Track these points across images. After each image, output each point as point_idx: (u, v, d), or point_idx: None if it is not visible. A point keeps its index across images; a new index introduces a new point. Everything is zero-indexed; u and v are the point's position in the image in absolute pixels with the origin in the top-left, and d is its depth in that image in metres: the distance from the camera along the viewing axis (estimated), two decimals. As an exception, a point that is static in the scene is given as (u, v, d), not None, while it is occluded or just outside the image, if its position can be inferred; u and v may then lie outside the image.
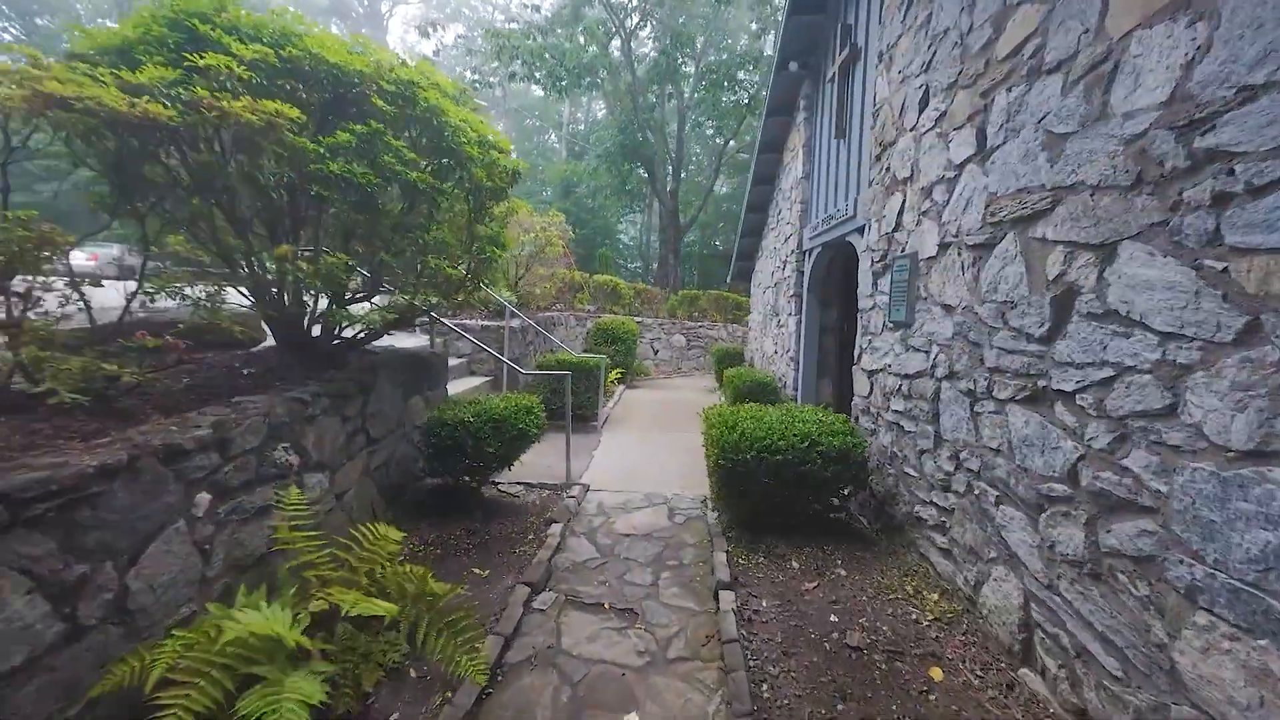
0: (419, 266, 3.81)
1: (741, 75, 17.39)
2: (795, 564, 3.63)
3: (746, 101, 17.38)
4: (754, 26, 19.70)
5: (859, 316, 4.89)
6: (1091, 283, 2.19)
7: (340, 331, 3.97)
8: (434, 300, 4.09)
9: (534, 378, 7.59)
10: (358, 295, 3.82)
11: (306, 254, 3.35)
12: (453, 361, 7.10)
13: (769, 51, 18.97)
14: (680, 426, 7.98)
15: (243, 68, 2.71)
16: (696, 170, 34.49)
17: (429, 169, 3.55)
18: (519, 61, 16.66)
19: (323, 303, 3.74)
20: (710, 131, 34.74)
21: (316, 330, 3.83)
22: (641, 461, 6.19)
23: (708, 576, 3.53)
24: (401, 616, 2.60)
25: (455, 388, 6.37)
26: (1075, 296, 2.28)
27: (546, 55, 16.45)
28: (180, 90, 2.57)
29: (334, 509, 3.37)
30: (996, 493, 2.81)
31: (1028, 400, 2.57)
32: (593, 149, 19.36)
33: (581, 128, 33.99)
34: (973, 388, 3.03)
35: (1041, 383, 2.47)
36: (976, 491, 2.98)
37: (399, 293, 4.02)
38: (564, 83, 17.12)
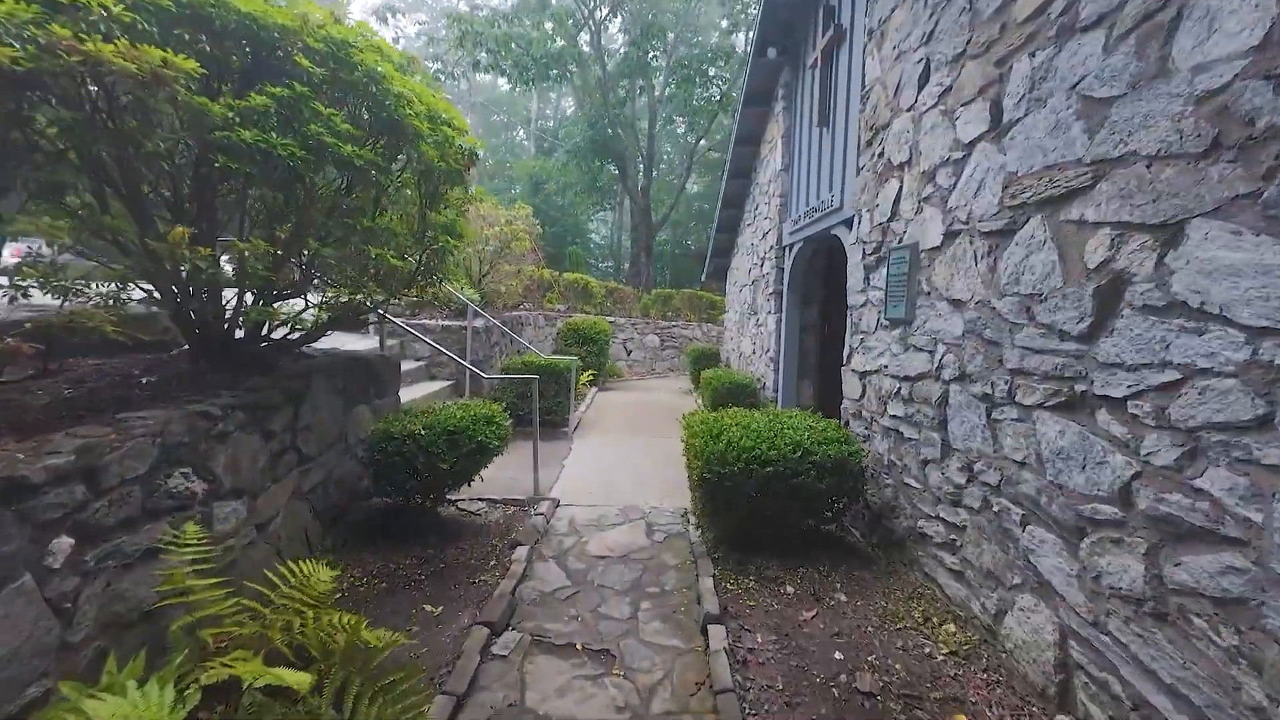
0: (361, 258, 3.31)
1: (713, 71, 17.12)
2: (790, 588, 3.27)
3: (718, 98, 17.12)
4: (724, 23, 19.48)
5: (849, 314, 4.57)
6: (1148, 270, 1.87)
7: (269, 333, 3.44)
8: (379, 297, 3.59)
9: (499, 382, 7.10)
10: (285, 291, 3.29)
11: (225, 242, 2.83)
12: (409, 365, 6.57)
13: (741, 48, 18.77)
14: (656, 430, 7.59)
15: (121, 7, 2.19)
16: (668, 170, 34.25)
17: (372, 146, 3.06)
18: (483, 50, 16.03)
19: (249, 299, 3.21)
20: (682, 130, 34.54)
21: (242, 331, 3.29)
22: (616, 469, 5.78)
23: (693, 606, 3.13)
24: (328, 680, 2.13)
25: (412, 394, 5.84)
26: (1125, 286, 1.96)
27: (513, 45, 15.86)
28: (34, 30, 2.04)
29: (254, 542, 2.86)
30: (1022, 511, 2.48)
31: (1062, 407, 2.24)
32: (562, 144, 18.83)
33: (551, 124, 33.35)
34: (990, 392, 2.70)
35: (1080, 387, 2.15)
36: (996, 508, 2.66)
37: (338, 288, 3.51)
38: (531, 73, 16.55)
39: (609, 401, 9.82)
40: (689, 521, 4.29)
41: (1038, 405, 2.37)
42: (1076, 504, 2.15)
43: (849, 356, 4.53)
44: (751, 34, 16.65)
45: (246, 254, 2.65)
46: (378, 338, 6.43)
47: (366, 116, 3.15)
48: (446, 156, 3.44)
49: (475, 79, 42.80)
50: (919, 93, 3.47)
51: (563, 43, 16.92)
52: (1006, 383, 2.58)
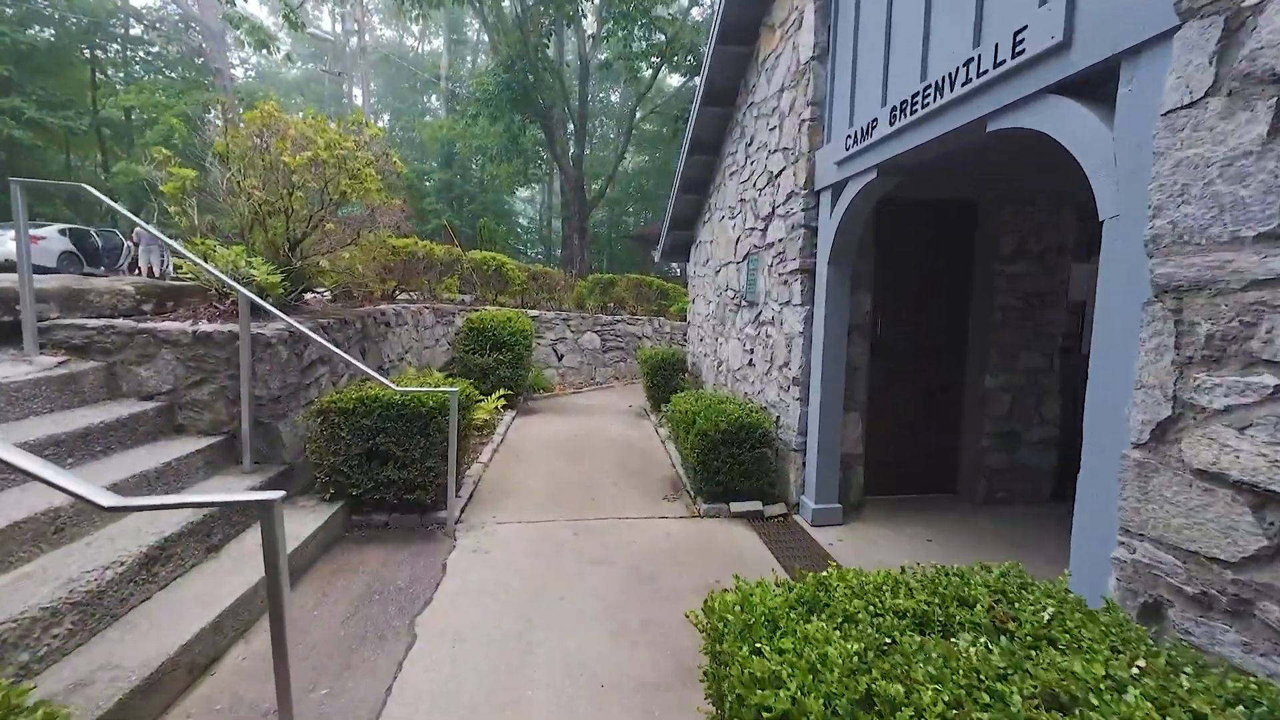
0: None
1: (659, 9, 14.02)
2: None
3: (664, 40, 14.02)
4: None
5: (1145, 310, 1.69)
6: None
7: None
8: None
9: (319, 433, 3.84)
10: None
11: None
12: (123, 409, 3.20)
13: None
14: (611, 500, 4.55)
15: None
16: (602, 145, 30.95)
17: None
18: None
19: None
20: (617, 97, 31.23)
21: None
22: (543, 631, 2.68)
23: None
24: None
25: (120, 467, 2.45)
26: None
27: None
28: None
29: None
30: None
31: None
32: (474, 96, 15.15)
33: (467, 88, 29.23)
34: None
35: None
36: None
37: None
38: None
39: (530, 437, 6.64)
40: None
41: None
42: None
43: (1178, 417, 1.64)
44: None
45: None
46: (34, 354, 3.02)
47: None
48: None
49: (378, 35, 37.49)
50: None
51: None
52: None
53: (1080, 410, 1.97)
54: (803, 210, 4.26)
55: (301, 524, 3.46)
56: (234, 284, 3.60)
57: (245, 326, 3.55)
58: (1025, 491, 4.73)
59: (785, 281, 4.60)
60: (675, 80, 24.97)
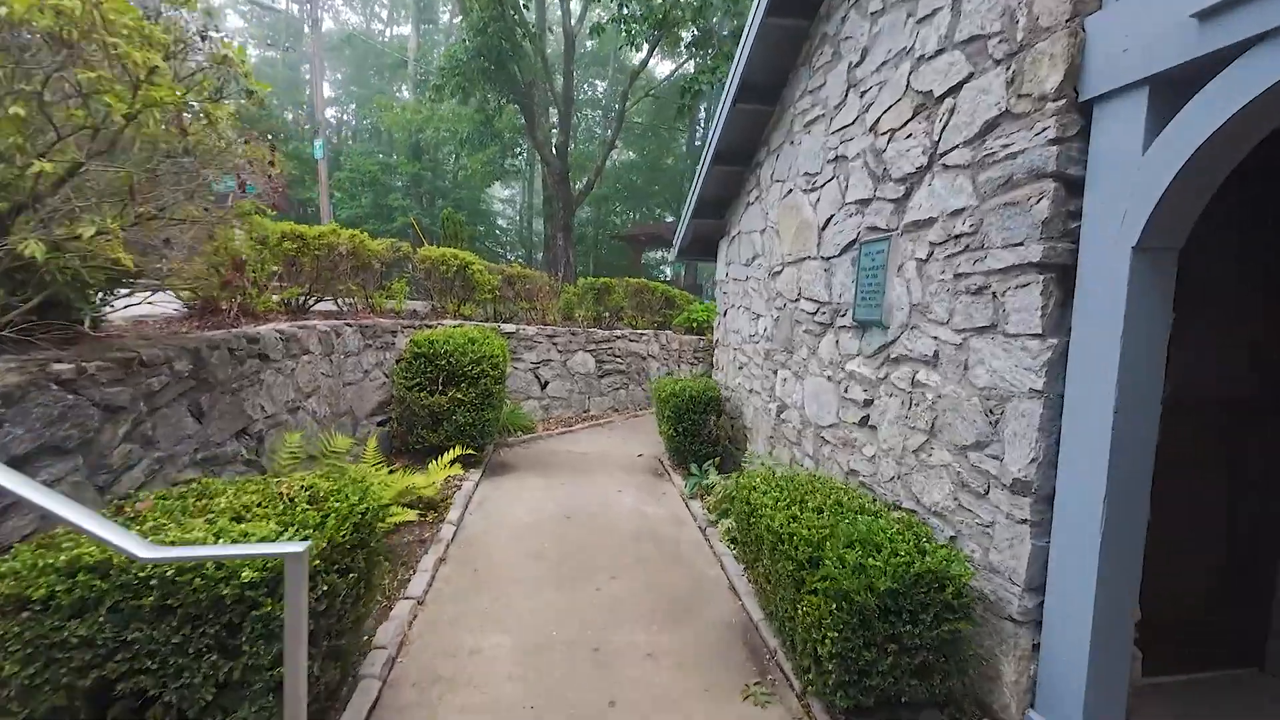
0: None
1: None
2: None
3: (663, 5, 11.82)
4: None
5: None
6: None
7: None
8: None
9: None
10: None
11: None
12: None
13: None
14: (648, 701, 2.31)
15: None
16: (586, 138, 28.71)
17: None
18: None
19: None
20: (603, 87, 29.00)
21: None
22: None
23: None
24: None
25: None
26: None
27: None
28: None
29: None
30: None
31: None
32: (442, 67, 12.68)
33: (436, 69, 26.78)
34: None
35: None
36: None
37: None
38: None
39: (500, 524, 4.36)
40: None
41: None
42: None
43: None
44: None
45: None
46: None
47: None
48: None
49: (341, 20, 34.72)
50: None
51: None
52: None
53: None
54: (1051, 144, 2.10)
55: None
56: None
57: None
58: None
59: (980, 289, 2.43)
60: (667, 67, 22.89)
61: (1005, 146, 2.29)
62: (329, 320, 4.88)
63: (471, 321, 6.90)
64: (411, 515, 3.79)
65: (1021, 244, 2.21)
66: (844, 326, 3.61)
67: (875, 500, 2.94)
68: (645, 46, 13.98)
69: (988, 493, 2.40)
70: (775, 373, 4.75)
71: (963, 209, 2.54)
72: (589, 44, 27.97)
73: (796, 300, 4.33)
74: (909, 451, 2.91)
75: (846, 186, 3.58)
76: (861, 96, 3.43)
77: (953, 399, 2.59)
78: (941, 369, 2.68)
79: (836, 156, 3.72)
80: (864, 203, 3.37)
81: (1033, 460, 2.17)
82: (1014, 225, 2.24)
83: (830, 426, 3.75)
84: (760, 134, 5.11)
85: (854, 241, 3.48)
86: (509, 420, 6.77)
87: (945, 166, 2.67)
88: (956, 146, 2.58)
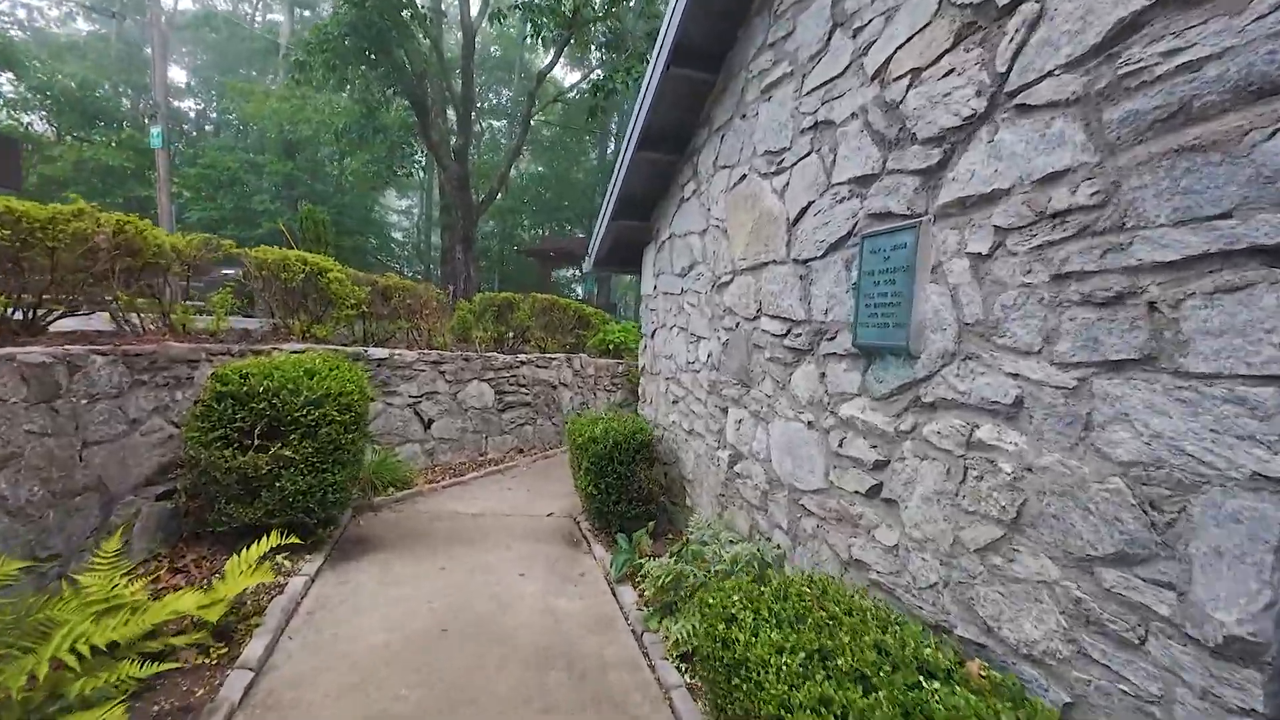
0: None
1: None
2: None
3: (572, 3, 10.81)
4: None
5: None
6: None
7: None
8: None
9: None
10: None
11: None
12: None
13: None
14: None
15: None
16: (491, 148, 27.08)
17: None
18: None
19: None
20: (508, 94, 27.55)
21: None
22: None
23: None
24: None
25: None
26: None
27: None
28: None
29: None
30: None
31: None
32: (309, 42, 10.66)
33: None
34: None
35: None
36: None
37: None
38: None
39: (335, 660, 2.89)
40: None
41: None
42: None
43: None
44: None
45: None
46: None
47: None
48: None
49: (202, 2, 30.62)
50: None
51: None
52: None
53: None
54: (1297, 31, 1.16)
55: None
56: None
57: None
58: None
59: (1117, 298, 1.45)
60: (576, 77, 22.00)
61: (1174, 52, 1.35)
62: (68, 346, 3.19)
63: (324, 346, 5.27)
64: (172, 663, 2.25)
65: (1225, 215, 1.25)
66: (833, 354, 2.59)
67: (921, 626, 1.89)
68: (553, 47, 12.91)
69: (1143, 642, 1.41)
70: (725, 411, 3.68)
71: (1067, 170, 1.58)
72: (494, 49, 26.59)
73: (755, 319, 3.29)
74: (967, 550, 1.89)
75: (833, 162, 2.60)
76: (855, 36, 2.48)
77: (1059, 477, 1.60)
78: (1032, 426, 1.69)
79: (816, 124, 2.74)
80: (864, 180, 2.39)
81: (1271, 604, 1.19)
82: (1204, 185, 1.29)
83: (816, 492, 2.70)
84: (699, 112, 4.10)
85: (848, 236, 2.49)
86: (376, 473, 5.19)
87: (1024, 108, 1.71)
88: (1052, 73, 1.63)
